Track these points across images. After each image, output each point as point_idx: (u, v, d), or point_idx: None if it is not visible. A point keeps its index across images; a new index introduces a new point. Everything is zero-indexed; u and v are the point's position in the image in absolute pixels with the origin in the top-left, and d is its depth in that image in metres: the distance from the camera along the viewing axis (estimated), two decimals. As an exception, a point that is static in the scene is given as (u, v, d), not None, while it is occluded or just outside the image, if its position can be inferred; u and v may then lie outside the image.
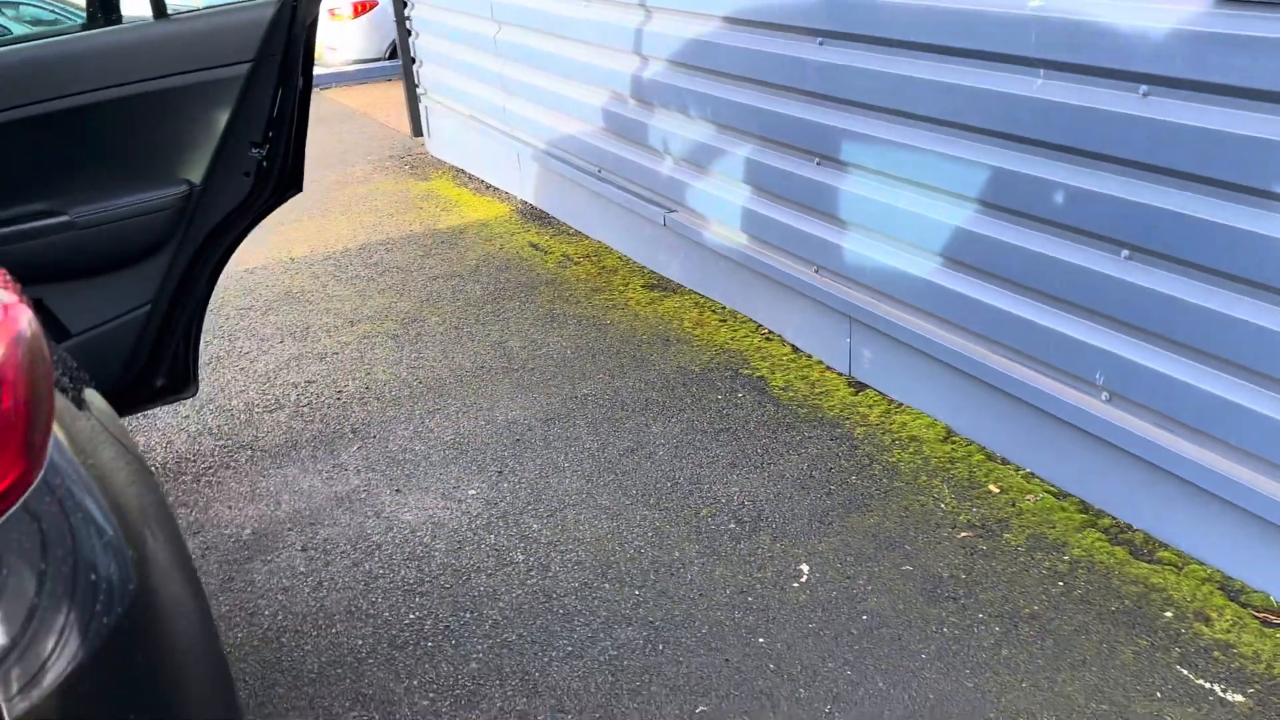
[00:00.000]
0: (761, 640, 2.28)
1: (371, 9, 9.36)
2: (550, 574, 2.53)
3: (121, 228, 2.12)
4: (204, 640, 1.14)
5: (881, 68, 2.95)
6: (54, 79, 2.06)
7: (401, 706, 2.14)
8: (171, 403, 2.68)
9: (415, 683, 2.21)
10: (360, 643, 2.34)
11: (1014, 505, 2.69)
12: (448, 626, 2.37)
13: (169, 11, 2.13)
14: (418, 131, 6.87)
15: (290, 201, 2.65)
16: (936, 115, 2.80)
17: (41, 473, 0.95)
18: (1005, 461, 2.87)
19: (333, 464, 3.10)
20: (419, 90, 6.53)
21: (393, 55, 9.33)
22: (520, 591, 2.48)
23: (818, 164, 3.31)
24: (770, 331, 3.76)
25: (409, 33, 6.40)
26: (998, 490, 2.75)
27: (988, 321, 2.81)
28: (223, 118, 2.15)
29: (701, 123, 3.85)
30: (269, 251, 5.00)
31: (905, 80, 2.87)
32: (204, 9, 2.16)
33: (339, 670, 2.25)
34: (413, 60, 6.47)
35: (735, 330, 3.81)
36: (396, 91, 7.91)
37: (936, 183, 2.87)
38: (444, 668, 2.25)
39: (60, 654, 0.91)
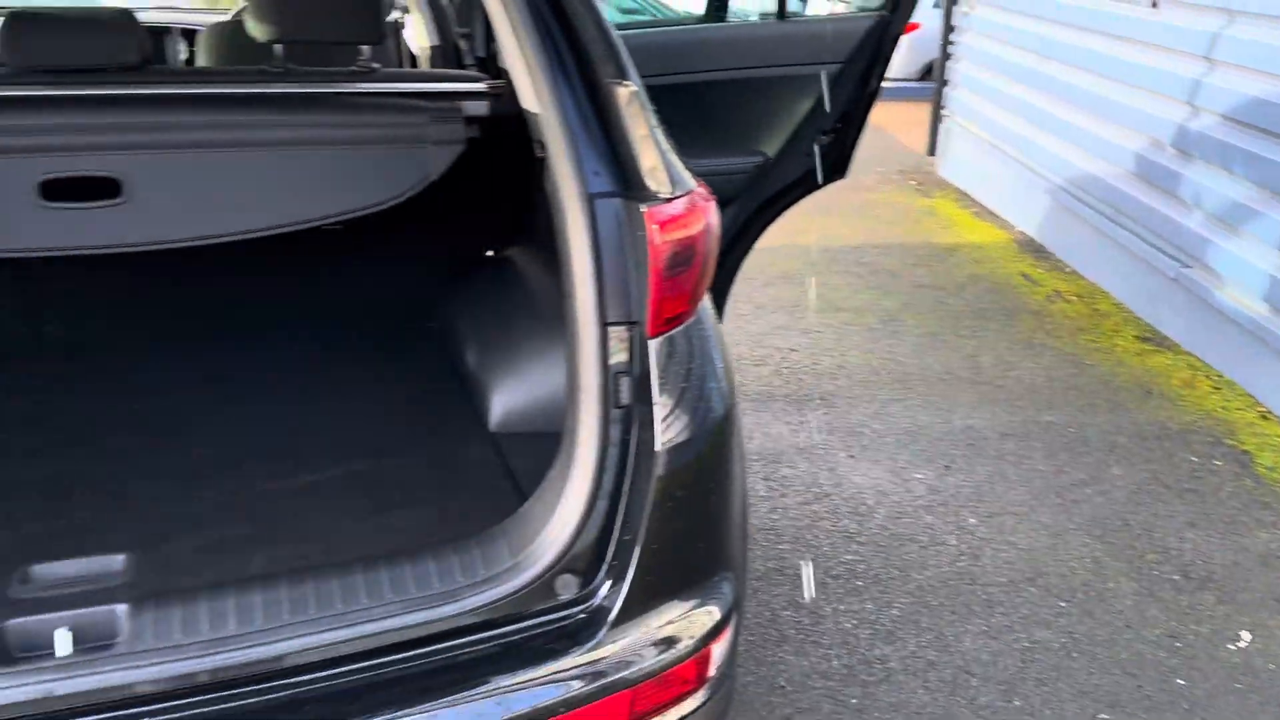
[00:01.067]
0: (1180, 682, 2.28)
1: (913, 30, 9.74)
2: (979, 563, 2.71)
3: (711, 180, 2.65)
4: (741, 468, 1.56)
5: None
6: (690, 58, 2.64)
7: (827, 621, 2.48)
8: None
9: (842, 608, 2.53)
10: (800, 563, 2.71)
11: None
12: (877, 575, 2.66)
13: (788, 14, 2.62)
14: (931, 151, 7.12)
15: (806, 198, 3.06)
16: None
17: (694, 316, 1.42)
18: None
19: (799, 419, 3.52)
20: (943, 111, 6.77)
21: (923, 77, 9.63)
22: (948, 569, 2.69)
23: (1375, 242, 3.06)
24: (1269, 410, 3.52)
25: (948, 56, 6.67)
26: None
27: None
28: (806, 105, 2.59)
29: (1245, 182, 3.68)
30: (781, 236, 5.56)
31: None
32: (814, 16, 2.62)
33: (780, 577, 2.65)
34: (944, 83, 6.73)
35: (1228, 400, 3.62)
36: (916, 111, 8.20)
37: None
38: (869, 605, 2.54)
39: (687, 424, 1.37)
